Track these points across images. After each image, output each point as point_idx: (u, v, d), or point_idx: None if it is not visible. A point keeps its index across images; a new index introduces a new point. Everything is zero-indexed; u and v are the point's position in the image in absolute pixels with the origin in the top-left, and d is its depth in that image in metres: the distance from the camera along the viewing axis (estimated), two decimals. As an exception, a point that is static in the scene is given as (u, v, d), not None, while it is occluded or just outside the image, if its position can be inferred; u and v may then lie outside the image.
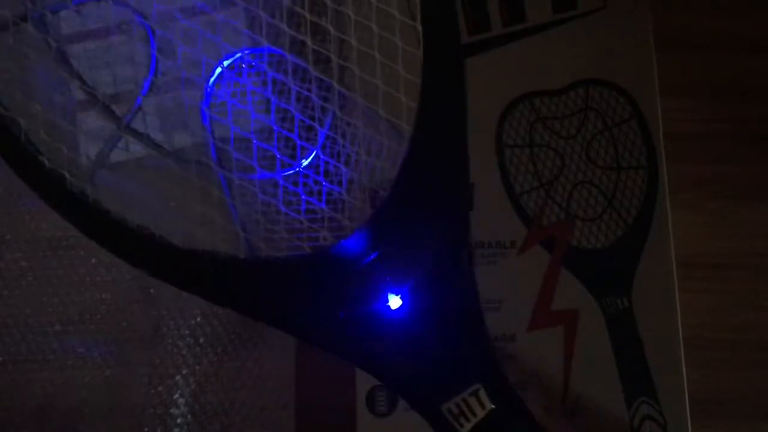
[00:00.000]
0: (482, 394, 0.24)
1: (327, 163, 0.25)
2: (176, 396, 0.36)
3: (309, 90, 0.24)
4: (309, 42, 0.22)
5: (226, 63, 0.26)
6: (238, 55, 0.26)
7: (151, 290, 0.36)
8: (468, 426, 0.25)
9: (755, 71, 0.40)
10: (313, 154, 0.25)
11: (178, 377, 0.36)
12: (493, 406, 0.24)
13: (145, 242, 0.24)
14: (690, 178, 0.39)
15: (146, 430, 0.36)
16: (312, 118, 0.24)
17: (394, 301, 0.23)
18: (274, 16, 0.23)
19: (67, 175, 0.24)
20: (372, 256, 0.23)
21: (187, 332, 0.36)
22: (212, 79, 0.26)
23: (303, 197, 0.25)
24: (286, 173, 0.25)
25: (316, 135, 0.25)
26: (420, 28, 0.22)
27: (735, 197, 0.39)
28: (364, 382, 0.32)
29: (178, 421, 0.36)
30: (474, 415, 0.25)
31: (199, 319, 0.36)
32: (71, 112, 0.26)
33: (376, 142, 0.23)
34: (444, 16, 0.23)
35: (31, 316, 0.36)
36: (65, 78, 0.26)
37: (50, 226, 0.37)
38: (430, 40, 0.22)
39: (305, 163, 0.25)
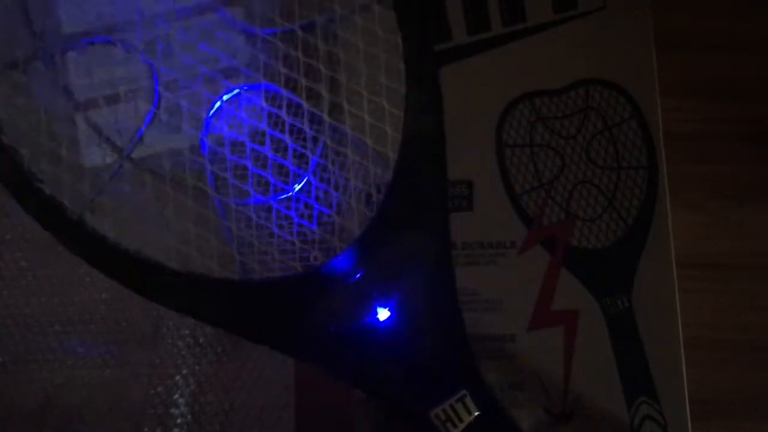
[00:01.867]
0: (468, 400, 0.25)
1: (318, 188, 0.27)
2: (176, 396, 0.36)
3: (302, 122, 0.26)
4: (302, 80, 0.25)
5: (225, 98, 0.28)
6: (237, 90, 0.28)
7: (151, 290, 0.36)
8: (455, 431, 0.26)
9: (755, 71, 0.40)
10: (305, 180, 0.27)
11: (178, 377, 0.36)
12: (478, 413, 0.25)
13: (142, 267, 0.25)
14: (690, 178, 0.39)
15: (146, 430, 0.36)
16: (304, 147, 0.26)
17: (382, 314, 0.25)
18: (270, 57, 0.26)
19: (67, 203, 0.25)
20: (359, 274, 0.25)
21: (187, 332, 0.36)
22: (212, 112, 0.28)
23: (295, 220, 0.27)
24: (280, 198, 0.27)
25: (307, 162, 0.27)
26: (402, 66, 0.25)
27: (735, 197, 0.39)
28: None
29: (178, 421, 0.36)
30: (461, 420, 0.26)
31: (199, 319, 0.36)
32: (72, 141, 0.28)
33: (364, 169, 0.25)
34: (423, 56, 0.25)
35: (31, 316, 0.36)
36: (70, 112, 0.28)
37: (50, 226, 0.36)
38: (411, 77, 0.25)
39: (298, 187, 0.27)
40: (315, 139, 0.26)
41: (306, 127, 0.26)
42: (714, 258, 0.39)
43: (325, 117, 0.26)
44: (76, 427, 0.36)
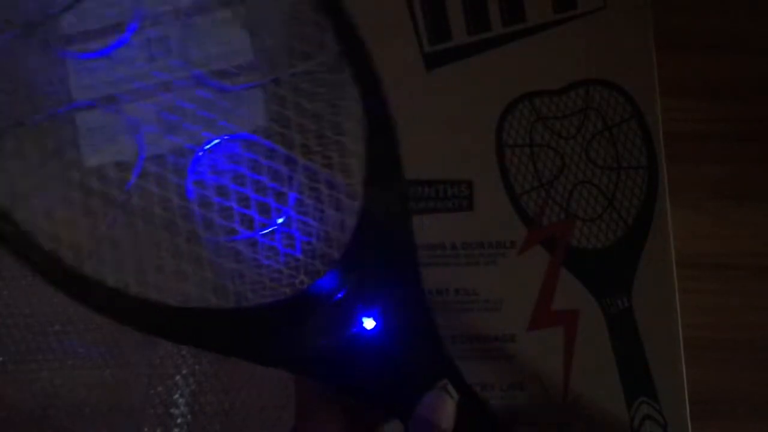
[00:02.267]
0: (450, 387, 0.27)
1: (298, 220, 0.30)
2: (176, 396, 0.36)
3: (278, 164, 0.30)
4: (276, 127, 0.29)
5: (207, 147, 0.31)
6: (217, 141, 0.31)
7: (151, 290, 0.36)
8: None
9: (755, 72, 0.40)
10: (286, 216, 0.31)
11: (177, 377, 0.36)
12: (459, 397, 0.27)
13: (142, 306, 0.27)
14: (690, 178, 0.39)
15: (146, 430, 0.36)
16: (282, 185, 0.30)
17: (368, 323, 0.27)
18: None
19: (68, 255, 0.27)
20: (342, 292, 0.27)
21: (187, 332, 0.36)
22: (195, 160, 0.31)
23: (280, 250, 0.30)
24: (264, 232, 0.30)
25: (286, 198, 0.30)
26: (361, 110, 0.28)
27: (735, 197, 0.39)
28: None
29: (178, 421, 0.36)
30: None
31: (199, 319, 0.36)
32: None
33: (336, 200, 0.29)
34: (377, 100, 0.28)
35: (31, 316, 0.36)
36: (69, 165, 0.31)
37: (50, 226, 0.37)
38: (370, 119, 0.28)
39: (280, 221, 0.30)
40: (290, 178, 0.30)
41: (282, 168, 0.30)
42: (714, 258, 0.39)
43: (298, 158, 0.29)
44: (76, 427, 0.36)
